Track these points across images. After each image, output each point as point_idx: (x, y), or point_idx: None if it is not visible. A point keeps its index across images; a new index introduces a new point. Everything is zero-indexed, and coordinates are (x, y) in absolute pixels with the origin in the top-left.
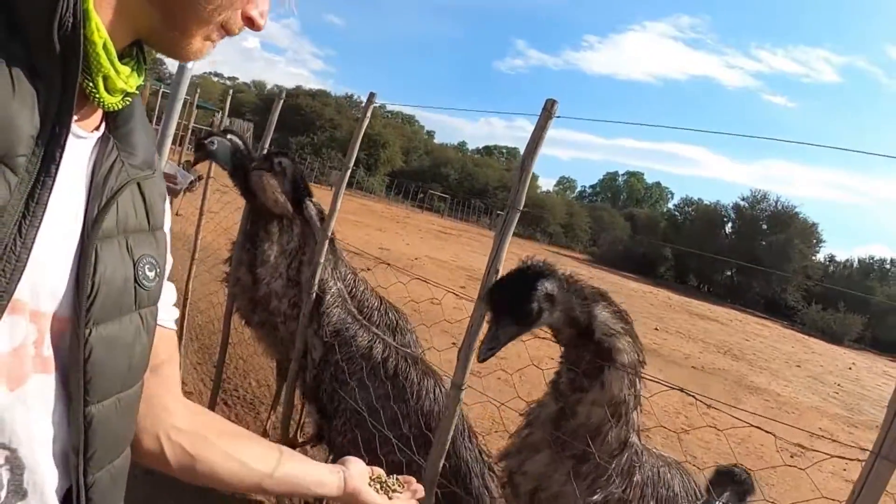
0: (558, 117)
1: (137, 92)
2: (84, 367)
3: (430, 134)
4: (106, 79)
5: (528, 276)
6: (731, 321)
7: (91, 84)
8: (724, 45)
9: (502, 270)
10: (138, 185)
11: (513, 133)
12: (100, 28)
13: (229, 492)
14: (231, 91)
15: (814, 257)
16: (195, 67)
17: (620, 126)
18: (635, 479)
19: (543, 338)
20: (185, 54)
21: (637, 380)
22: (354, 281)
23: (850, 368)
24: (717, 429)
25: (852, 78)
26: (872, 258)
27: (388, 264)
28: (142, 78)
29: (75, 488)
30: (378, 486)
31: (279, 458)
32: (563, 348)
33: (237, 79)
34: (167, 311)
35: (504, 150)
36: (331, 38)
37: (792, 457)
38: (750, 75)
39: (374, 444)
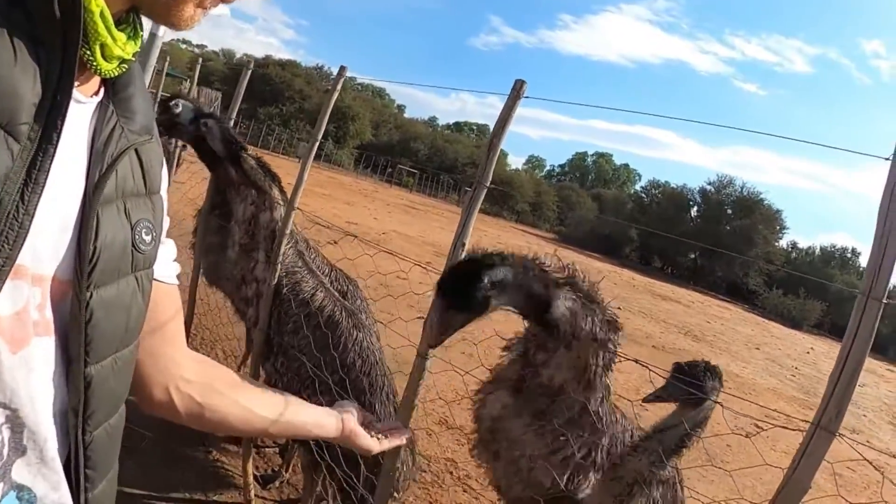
0: (527, 97)
1: (134, 58)
2: (85, 329)
3: (401, 108)
4: (103, 46)
5: (473, 265)
6: (693, 303)
7: (88, 52)
8: (698, 31)
9: (468, 246)
10: (136, 149)
11: (483, 110)
12: None
13: (235, 435)
14: (200, 59)
15: (777, 243)
16: (165, 35)
17: (591, 107)
18: (602, 442)
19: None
20: (177, 21)
21: (602, 352)
22: (307, 247)
23: (808, 353)
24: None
25: (824, 69)
26: (834, 246)
27: (356, 237)
28: (137, 44)
29: (73, 447)
30: (367, 431)
31: (283, 404)
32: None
33: (206, 46)
34: (168, 268)
35: (475, 127)
36: (303, 8)
37: (747, 436)
38: (722, 61)
39: (312, 388)
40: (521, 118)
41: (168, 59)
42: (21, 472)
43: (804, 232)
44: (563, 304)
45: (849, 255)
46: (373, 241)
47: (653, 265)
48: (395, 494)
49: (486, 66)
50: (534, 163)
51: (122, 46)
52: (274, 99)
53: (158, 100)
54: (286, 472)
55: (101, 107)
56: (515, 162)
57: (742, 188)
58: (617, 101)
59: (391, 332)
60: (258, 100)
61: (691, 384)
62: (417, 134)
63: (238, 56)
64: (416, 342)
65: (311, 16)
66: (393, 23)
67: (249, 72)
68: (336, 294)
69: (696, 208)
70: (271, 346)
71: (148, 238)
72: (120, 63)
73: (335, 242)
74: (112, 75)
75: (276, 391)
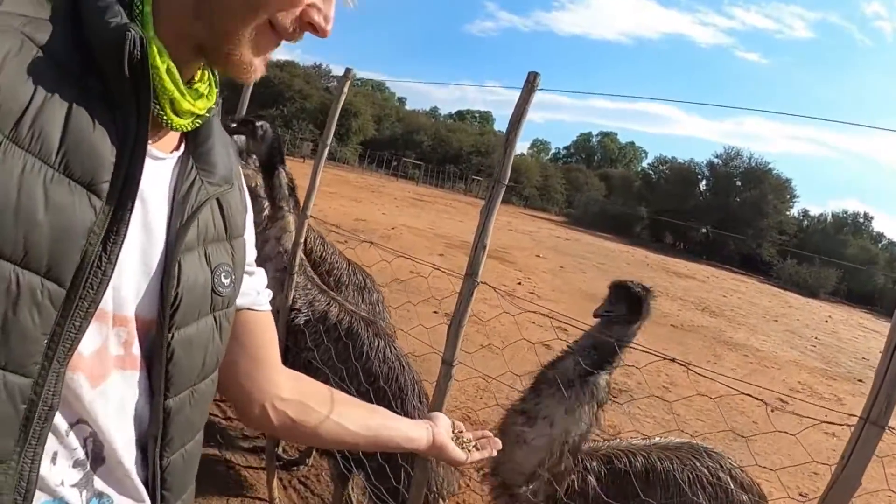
0: (541, 90)
1: (208, 114)
2: (166, 366)
3: (402, 101)
4: (172, 102)
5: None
6: (708, 278)
7: (159, 107)
8: (696, 3)
9: (488, 245)
10: (217, 198)
11: (484, 97)
12: (162, 53)
13: (328, 448)
14: None
15: (788, 212)
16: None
17: (592, 86)
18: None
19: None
20: (238, 69)
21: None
22: (323, 245)
23: (826, 321)
24: (705, 395)
25: (825, 33)
26: (846, 212)
27: (371, 243)
28: (212, 100)
29: (152, 470)
30: (457, 442)
31: (374, 419)
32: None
33: None
34: (260, 296)
35: (476, 115)
36: None
37: (773, 411)
38: (723, 32)
39: None
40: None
41: None
42: (102, 481)
43: (815, 199)
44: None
45: (861, 220)
46: (382, 236)
47: (665, 242)
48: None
49: (485, 53)
50: (539, 146)
51: (192, 102)
52: (274, 101)
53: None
54: (309, 458)
55: (182, 161)
56: (520, 147)
57: (749, 159)
58: (619, 79)
59: (413, 339)
60: (258, 103)
61: (632, 301)
62: (420, 125)
63: None
64: (440, 347)
65: None
66: (386, 14)
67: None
68: (351, 307)
69: (704, 182)
70: (293, 364)
71: (227, 281)
72: (194, 118)
73: (346, 242)
74: (186, 129)
75: (369, 406)
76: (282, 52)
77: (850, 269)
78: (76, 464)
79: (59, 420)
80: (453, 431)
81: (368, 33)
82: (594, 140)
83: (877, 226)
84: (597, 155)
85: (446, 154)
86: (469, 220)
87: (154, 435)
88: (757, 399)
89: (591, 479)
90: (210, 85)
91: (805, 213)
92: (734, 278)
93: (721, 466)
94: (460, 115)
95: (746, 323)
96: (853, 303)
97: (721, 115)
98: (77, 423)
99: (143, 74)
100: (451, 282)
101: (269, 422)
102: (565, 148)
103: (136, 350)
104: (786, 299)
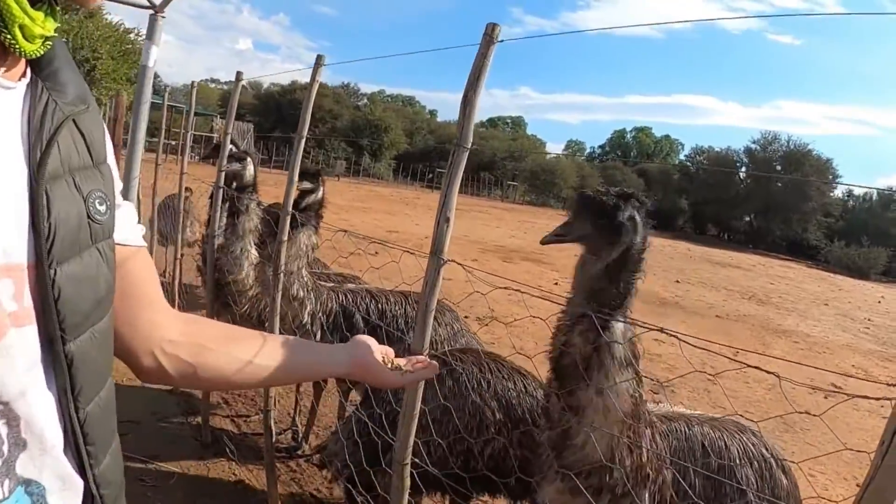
0: (501, 41)
1: (56, 34)
2: (56, 307)
3: (433, 113)
4: (22, 28)
5: (623, 193)
6: (754, 266)
7: (9, 35)
8: None
9: (453, 218)
10: (75, 122)
11: (517, 102)
12: None
13: (238, 390)
14: (194, 83)
15: (831, 194)
16: (194, 76)
17: (626, 82)
18: None
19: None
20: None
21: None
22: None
23: (879, 302)
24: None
25: (857, 7)
26: (892, 189)
27: (411, 250)
28: (57, 20)
29: (69, 426)
30: (390, 367)
31: (284, 347)
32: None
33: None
34: (131, 230)
35: (508, 120)
36: (323, 29)
37: (826, 397)
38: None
39: None
40: (555, 105)
41: (195, 96)
42: (26, 466)
43: (860, 179)
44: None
45: None
46: (414, 247)
47: (708, 233)
48: None
49: (514, 58)
50: (573, 147)
51: (42, 24)
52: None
53: (191, 140)
54: (306, 443)
55: (31, 86)
56: (555, 149)
57: (788, 142)
58: (651, 73)
59: None
60: (291, 126)
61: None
62: (452, 135)
63: (265, 86)
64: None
65: (331, 36)
66: (412, 29)
67: (241, 84)
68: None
69: (743, 169)
70: None
71: (102, 208)
72: (43, 42)
73: (375, 254)
74: (38, 55)
75: (275, 336)
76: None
77: None
78: None
79: None
80: (383, 355)
81: (397, 49)
82: (629, 136)
83: None
84: (632, 151)
85: (480, 161)
86: (505, 226)
87: (63, 387)
88: (810, 386)
89: (659, 440)
90: (50, 4)
91: (850, 193)
92: (781, 265)
93: (764, 445)
94: (492, 122)
95: (795, 309)
96: None
97: (758, 100)
98: None
99: None
100: (478, 286)
101: (163, 371)
102: (600, 146)
103: (27, 302)
104: (835, 282)
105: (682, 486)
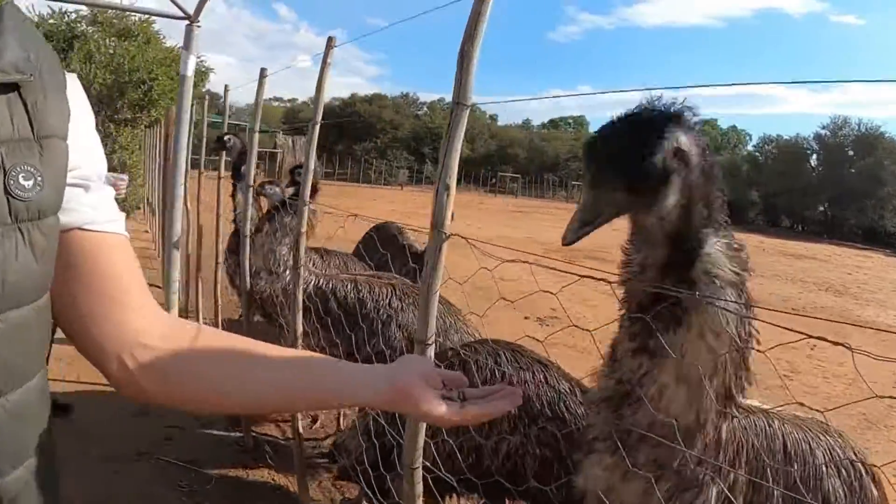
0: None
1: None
2: None
3: (493, 117)
4: None
5: (652, 118)
6: (830, 257)
7: None
8: None
9: (453, 186)
10: (18, 91)
11: (577, 101)
12: None
13: (228, 413)
14: (226, 86)
15: None
16: (259, 96)
17: (687, 74)
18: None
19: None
20: None
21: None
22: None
23: None
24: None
25: None
26: None
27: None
28: None
29: None
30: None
31: (294, 366)
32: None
33: (297, 99)
34: (103, 215)
35: (570, 120)
36: (378, 41)
37: None
38: None
39: None
40: (616, 101)
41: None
42: None
43: None
44: (715, 245)
45: None
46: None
47: (781, 225)
48: None
49: (572, 58)
50: None
51: None
52: (367, 134)
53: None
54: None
55: None
56: None
57: (859, 125)
58: (712, 63)
59: None
60: (353, 138)
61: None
62: (513, 139)
63: (326, 101)
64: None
65: (387, 47)
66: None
67: (265, 79)
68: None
69: (814, 156)
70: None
71: (28, 184)
72: None
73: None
74: None
75: (293, 351)
76: (368, 87)
77: None
78: None
79: None
80: (434, 380)
81: (451, 55)
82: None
83: None
84: None
85: (543, 163)
86: None
87: None
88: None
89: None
90: None
91: None
92: (858, 254)
93: (853, 451)
94: (553, 124)
95: (875, 299)
96: None
97: (826, 84)
98: None
99: None
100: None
101: (133, 381)
102: None
103: None
104: None
105: (757, 496)
